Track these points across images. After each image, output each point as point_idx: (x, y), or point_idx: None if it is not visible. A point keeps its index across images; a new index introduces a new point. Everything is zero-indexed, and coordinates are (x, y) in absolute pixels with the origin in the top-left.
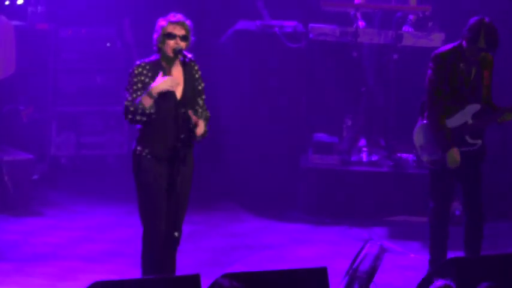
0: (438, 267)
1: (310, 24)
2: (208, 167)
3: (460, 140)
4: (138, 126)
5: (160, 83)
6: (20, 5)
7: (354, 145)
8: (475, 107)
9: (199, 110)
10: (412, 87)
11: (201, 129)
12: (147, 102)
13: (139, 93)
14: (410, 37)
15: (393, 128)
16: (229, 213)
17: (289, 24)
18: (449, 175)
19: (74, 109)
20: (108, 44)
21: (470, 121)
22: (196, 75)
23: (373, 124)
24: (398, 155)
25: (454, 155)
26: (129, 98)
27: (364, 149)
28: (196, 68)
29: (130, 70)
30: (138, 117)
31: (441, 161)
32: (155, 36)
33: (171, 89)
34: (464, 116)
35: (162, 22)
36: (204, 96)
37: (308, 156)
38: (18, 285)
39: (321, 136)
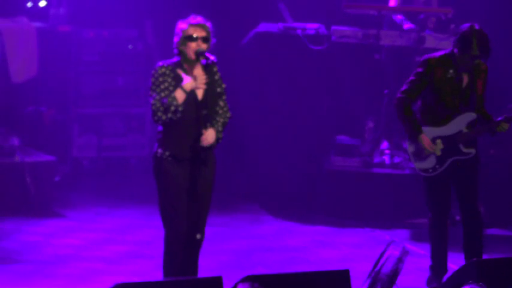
0: (463, 268)
1: (333, 27)
2: (230, 168)
3: (454, 148)
4: (160, 128)
5: (191, 82)
6: (42, 7)
7: (376, 147)
8: (470, 116)
9: (220, 112)
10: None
11: (210, 137)
12: (181, 96)
13: (166, 92)
14: (432, 39)
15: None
16: (251, 215)
17: (312, 27)
18: (443, 182)
19: (95, 111)
20: (129, 46)
21: (464, 130)
22: (216, 77)
23: (395, 126)
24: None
25: (424, 142)
26: (157, 97)
27: (386, 151)
28: (215, 69)
29: (153, 71)
30: (169, 115)
31: (433, 168)
32: (176, 39)
33: (201, 86)
34: (458, 124)
35: (182, 25)
36: (224, 97)
37: (330, 158)
38: (39, 286)
39: (343, 138)
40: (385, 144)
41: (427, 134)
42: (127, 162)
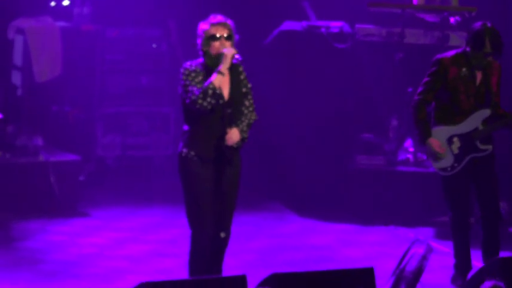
0: (488, 266)
1: (357, 25)
2: (255, 167)
3: (471, 146)
4: (185, 128)
5: (219, 77)
6: (65, 6)
7: (400, 146)
8: (485, 113)
9: (245, 112)
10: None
11: (235, 136)
12: (217, 80)
13: (201, 84)
14: (456, 38)
15: None
16: (276, 214)
17: (336, 25)
18: (462, 181)
19: (119, 110)
20: (154, 45)
21: (480, 127)
22: (242, 77)
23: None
24: None
25: (433, 145)
26: (194, 89)
27: (411, 149)
28: (241, 69)
29: (182, 69)
30: (208, 99)
31: (452, 167)
32: (199, 41)
33: (229, 56)
34: (474, 122)
35: (203, 26)
36: (250, 97)
37: (354, 156)
38: (64, 286)
39: (367, 137)
40: (409, 142)
41: (444, 133)
42: (151, 161)
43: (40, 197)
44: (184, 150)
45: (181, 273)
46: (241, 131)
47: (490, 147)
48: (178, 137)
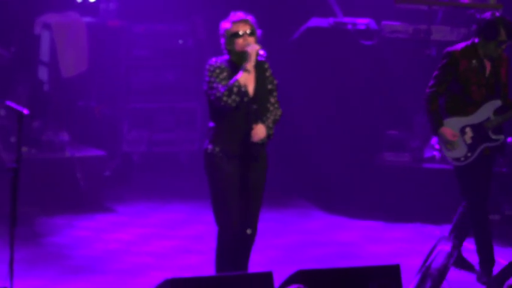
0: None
1: (383, 22)
2: (281, 164)
3: (484, 136)
4: (210, 124)
5: (244, 75)
6: (92, 1)
7: (427, 143)
8: (496, 103)
9: (271, 108)
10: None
11: (260, 133)
12: (243, 77)
13: (226, 81)
14: None
15: None
16: (301, 211)
17: (362, 22)
18: (477, 170)
19: (145, 106)
20: (180, 41)
21: (492, 117)
22: (267, 73)
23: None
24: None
25: (446, 133)
26: (219, 86)
27: (437, 146)
28: (266, 66)
29: (207, 66)
30: (233, 97)
31: (465, 156)
32: (222, 40)
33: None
34: (486, 112)
35: (225, 24)
36: (275, 94)
37: (380, 153)
38: (90, 282)
39: (393, 133)
40: (435, 139)
41: (456, 124)
42: (177, 157)
43: (66, 192)
44: (210, 146)
45: (207, 269)
46: (267, 128)
47: (502, 137)
48: (204, 133)
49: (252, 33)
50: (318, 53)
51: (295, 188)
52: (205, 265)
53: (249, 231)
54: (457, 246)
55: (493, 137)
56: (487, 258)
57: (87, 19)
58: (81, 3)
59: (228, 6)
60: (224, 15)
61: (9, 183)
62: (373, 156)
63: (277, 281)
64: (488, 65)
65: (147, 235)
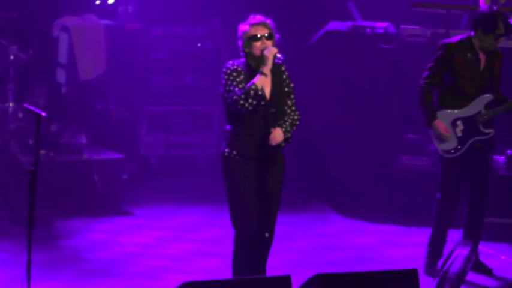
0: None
1: (402, 26)
2: (298, 167)
3: (475, 129)
4: (227, 127)
5: (261, 78)
6: (110, 4)
7: None
8: (488, 97)
9: (288, 111)
10: (502, 87)
11: (278, 136)
12: (260, 81)
13: (243, 84)
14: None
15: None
16: (319, 214)
17: (381, 25)
18: (462, 163)
19: (163, 109)
20: (198, 44)
21: (483, 111)
22: (284, 76)
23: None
24: (490, 156)
25: (439, 127)
26: (236, 89)
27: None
28: (283, 68)
29: (224, 69)
30: (250, 100)
31: (456, 149)
32: (240, 42)
33: (270, 56)
34: (477, 106)
35: (243, 27)
36: (292, 96)
37: (398, 157)
38: (107, 285)
39: (411, 137)
40: None
41: (448, 116)
42: (195, 160)
43: (83, 195)
44: (227, 149)
45: (225, 273)
46: (285, 131)
47: (492, 131)
48: (222, 136)
49: (270, 37)
50: (336, 56)
51: (313, 191)
52: (222, 268)
53: (266, 234)
54: (475, 250)
55: (484, 130)
56: (436, 251)
57: (105, 22)
58: (99, 5)
59: (246, 10)
60: (242, 18)
61: (26, 185)
62: (390, 160)
63: (295, 284)
64: (483, 59)
65: (165, 238)
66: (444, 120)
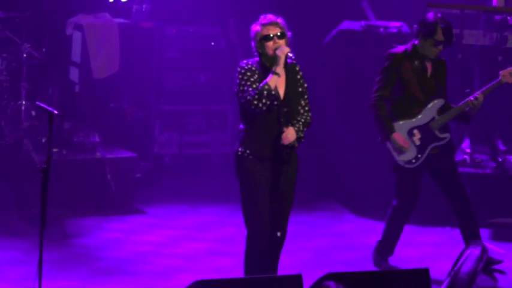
0: None
1: (415, 25)
2: (311, 167)
3: (431, 135)
4: (241, 127)
5: (274, 77)
6: (124, 3)
7: (458, 146)
8: (439, 102)
9: (301, 111)
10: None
11: (290, 135)
12: (273, 81)
13: (257, 84)
14: None
15: (497, 129)
16: (332, 214)
17: (394, 25)
18: (420, 172)
19: (177, 108)
20: (212, 43)
21: (437, 116)
22: (298, 76)
23: (477, 125)
24: (502, 156)
25: (397, 139)
26: (250, 89)
27: (468, 150)
28: (297, 68)
29: (239, 68)
30: (264, 100)
31: (416, 158)
32: (253, 43)
33: (282, 55)
34: (430, 112)
35: (255, 27)
36: (306, 97)
37: None
38: (120, 283)
39: None
40: (466, 143)
41: (403, 127)
42: (208, 160)
43: (96, 194)
44: (240, 149)
45: (237, 272)
46: (298, 131)
47: (448, 135)
48: (236, 136)
49: (282, 36)
50: (349, 55)
51: (326, 190)
52: (235, 267)
53: (279, 233)
54: (486, 250)
55: (440, 135)
56: (387, 248)
57: (119, 20)
58: (113, 4)
59: (260, 9)
60: (256, 17)
61: (39, 184)
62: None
63: (307, 283)
64: (429, 66)
65: (178, 237)
66: (401, 132)
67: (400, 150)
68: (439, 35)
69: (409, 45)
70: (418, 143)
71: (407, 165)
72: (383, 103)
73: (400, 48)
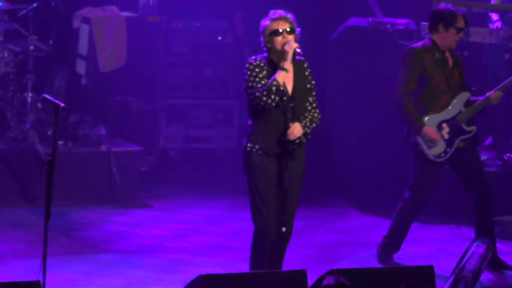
0: None
1: (422, 22)
2: (317, 164)
3: (459, 129)
4: (249, 122)
5: (283, 73)
6: None
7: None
8: (465, 95)
9: (309, 108)
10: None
11: (296, 131)
12: (281, 77)
13: (265, 80)
14: None
15: (502, 127)
16: (338, 210)
17: (401, 22)
18: (443, 167)
19: (183, 102)
20: (219, 38)
21: (463, 109)
22: (306, 73)
23: (482, 123)
24: (508, 155)
25: (429, 133)
26: (259, 85)
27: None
28: (305, 65)
29: (247, 64)
30: (272, 96)
31: (445, 152)
32: (262, 38)
33: (290, 50)
34: (457, 105)
35: (265, 22)
36: (314, 94)
37: None
38: (124, 276)
39: None
40: None
41: (432, 121)
42: (214, 154)
43: (102, 187)
44: (249, 144)
45: (242, 266)
46: (304, 126)
47: (474, 127)
48: (242, 130)
49: (291, 31)
50: (356, 52)
51: (332, 187)
52: (240, 262)
53: (284, 229)
54: (491, 248)
55: (467, 128)
56: (394, 244)
57: (126, 14)
58: None
59: (267, 4)
60: (263, 12)
61: (44, 176)
62: (409, 157)
63: (311, 279)
64: (449, 58)
65: (183, 231)
66: (431, 126)
67: (431, 144)
68: (460, 22)
69: (426, 40)
70: (446, 136)
71: (437, 159)
72: (409, 98)
73: (418, 44)
